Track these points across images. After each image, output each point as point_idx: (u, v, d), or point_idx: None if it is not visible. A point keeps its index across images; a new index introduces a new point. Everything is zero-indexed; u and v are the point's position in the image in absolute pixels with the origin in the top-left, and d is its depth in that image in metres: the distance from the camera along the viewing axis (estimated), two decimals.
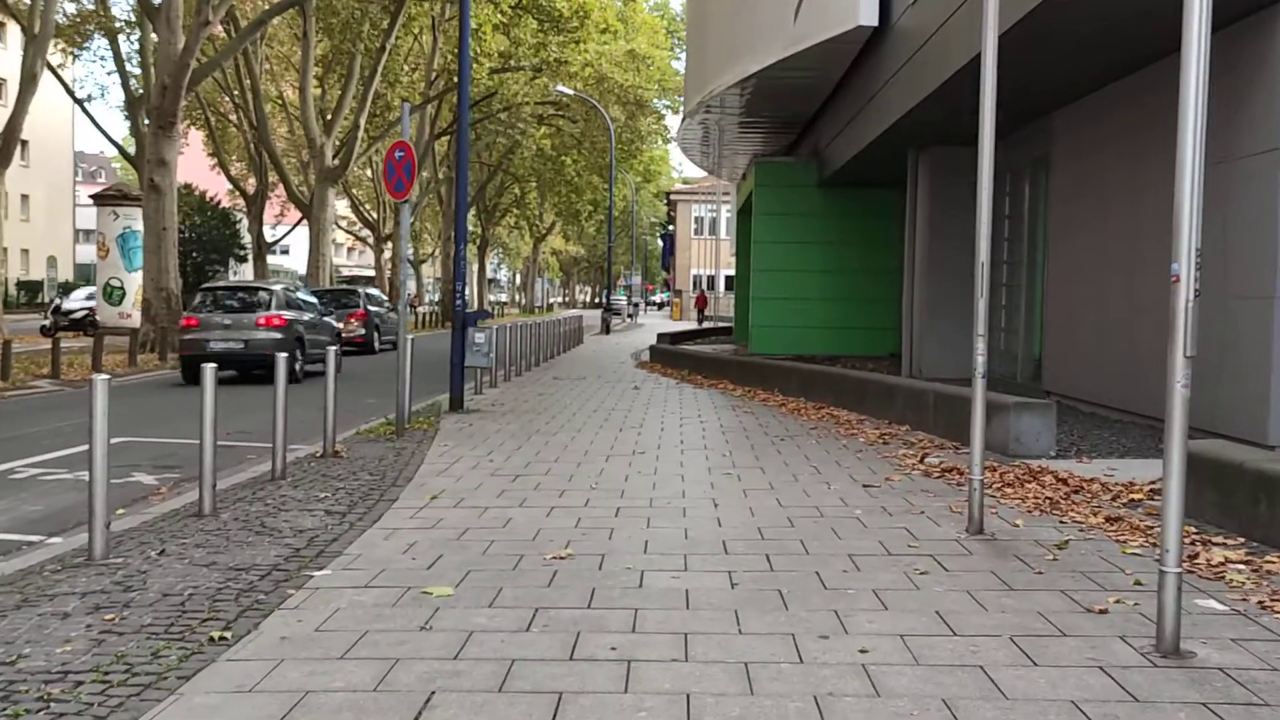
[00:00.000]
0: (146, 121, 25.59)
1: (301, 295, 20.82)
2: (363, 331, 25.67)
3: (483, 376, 17.14)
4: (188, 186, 78.24)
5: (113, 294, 34.90)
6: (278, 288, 19.68)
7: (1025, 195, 16.18)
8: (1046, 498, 7.52)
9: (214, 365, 7.38)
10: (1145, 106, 11.86)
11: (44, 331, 31.81)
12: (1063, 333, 14.38)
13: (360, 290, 28.82)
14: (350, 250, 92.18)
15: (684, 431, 11.70)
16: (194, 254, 75.12)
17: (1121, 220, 12.48)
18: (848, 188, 23.42)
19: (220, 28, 35.12)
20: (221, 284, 22.07)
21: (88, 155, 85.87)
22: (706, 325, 45.51)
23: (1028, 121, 15.45)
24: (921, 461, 9.30)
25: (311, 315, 20.15)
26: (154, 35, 26.29)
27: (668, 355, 23.31)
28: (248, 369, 17.89)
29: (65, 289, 35.85)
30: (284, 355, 8.74)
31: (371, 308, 26.92)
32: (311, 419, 11.06)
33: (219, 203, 72.98)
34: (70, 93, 36.63)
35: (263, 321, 18.23)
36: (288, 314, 18.71)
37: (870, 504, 7.50)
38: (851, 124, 19.67)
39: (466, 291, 13.99)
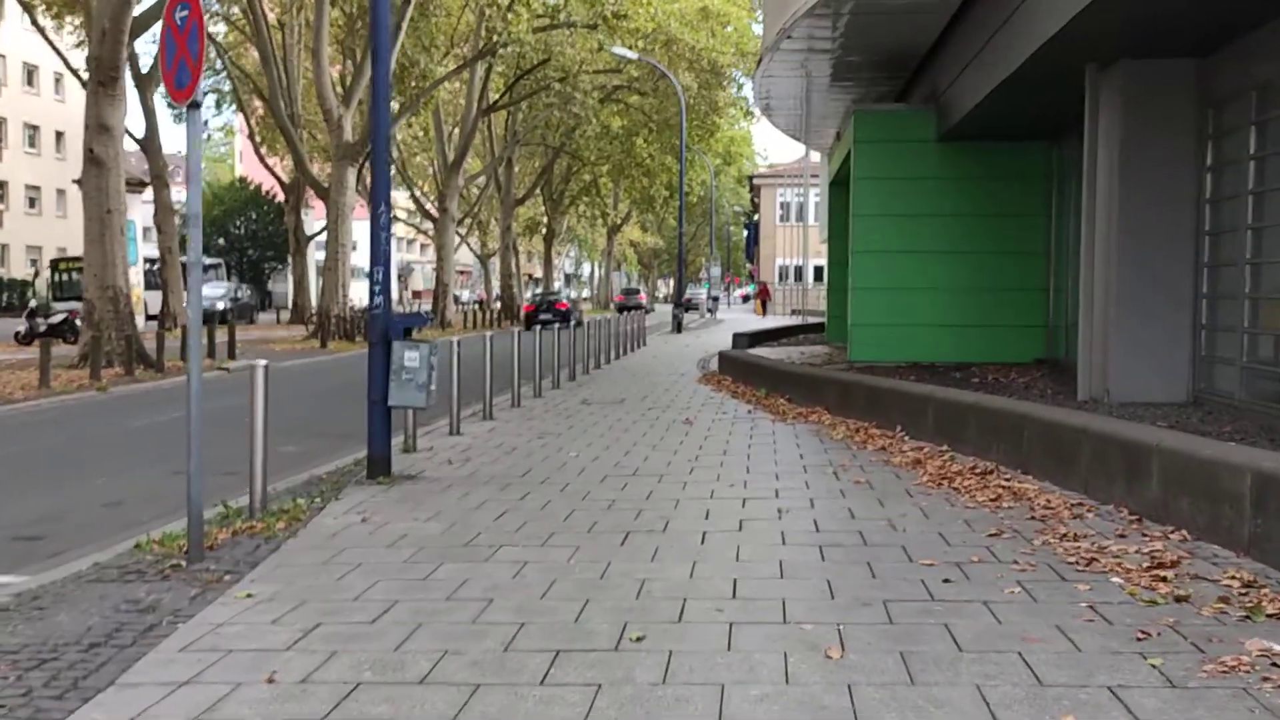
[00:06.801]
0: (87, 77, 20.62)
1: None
2: (564, 312, 40.19)
3: (473, 406, 12.06)
4: (243, 180, 74.91)
5: None
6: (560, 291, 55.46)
7: (1248, 135, 10.38)
8: None
9: None
10: None
11: (18, 339, 27.27)
12: None
13: (561, 291, 50.04)
14: (411, 243, 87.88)
15: (742, 545, 6.10)
16: (250, 250, 71.64)
17: None
18: (979, 141, 17.49)
19: None
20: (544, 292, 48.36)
21: None
22: (794, 321, 39.58)
23: (1253, 26, 9.73)
24: None
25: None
26: None
27: (740, 366, 17.58)
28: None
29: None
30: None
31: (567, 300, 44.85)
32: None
33: (274, 197, 69.03)
34: (72, 69, 32.44)
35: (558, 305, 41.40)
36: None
37: None
38: (987, 48, 13.94)
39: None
